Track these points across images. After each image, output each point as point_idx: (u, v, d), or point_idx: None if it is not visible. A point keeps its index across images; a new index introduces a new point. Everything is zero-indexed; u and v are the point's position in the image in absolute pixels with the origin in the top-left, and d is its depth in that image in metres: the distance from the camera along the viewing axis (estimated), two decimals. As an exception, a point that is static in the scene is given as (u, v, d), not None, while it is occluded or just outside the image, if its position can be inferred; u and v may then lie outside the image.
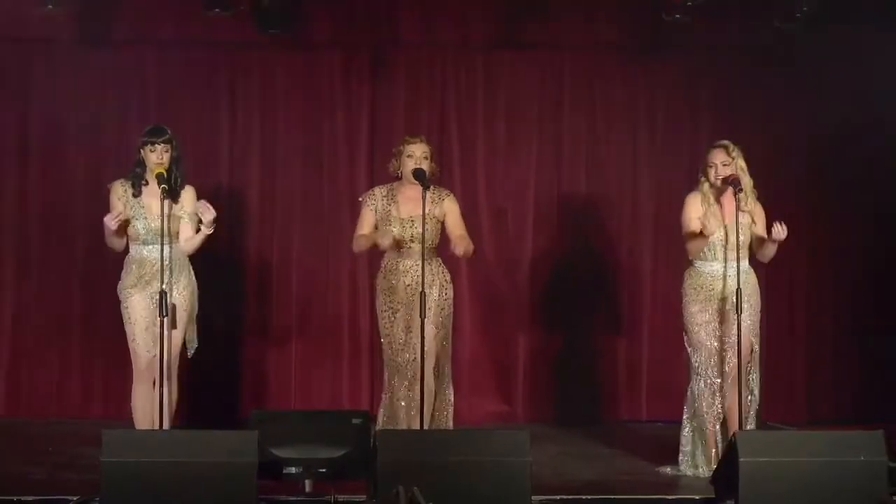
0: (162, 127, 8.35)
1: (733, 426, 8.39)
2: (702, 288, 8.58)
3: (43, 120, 10.62)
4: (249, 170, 10.86)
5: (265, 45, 10.63)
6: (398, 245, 8.59)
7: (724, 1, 9.74)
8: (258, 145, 10.85)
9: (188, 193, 8.39)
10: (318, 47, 10.87)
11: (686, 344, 8.67)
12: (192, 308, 8.39)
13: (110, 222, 8.08)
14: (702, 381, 8.56)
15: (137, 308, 8.21)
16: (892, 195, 10.81)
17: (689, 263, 8.70)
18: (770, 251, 8.59)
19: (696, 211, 8.55)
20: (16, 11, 10.11)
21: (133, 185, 8.28)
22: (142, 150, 8.27)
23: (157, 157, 8.20)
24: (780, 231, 8.36)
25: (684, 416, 8.70)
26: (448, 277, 8.74)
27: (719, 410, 8.55)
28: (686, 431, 8.68)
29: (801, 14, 9.89)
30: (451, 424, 8.75)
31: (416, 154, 8.57)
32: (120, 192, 8.31)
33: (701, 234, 8.42)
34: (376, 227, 8.67)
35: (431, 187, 8.50)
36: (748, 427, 8.42)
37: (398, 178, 8.72)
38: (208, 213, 8.14)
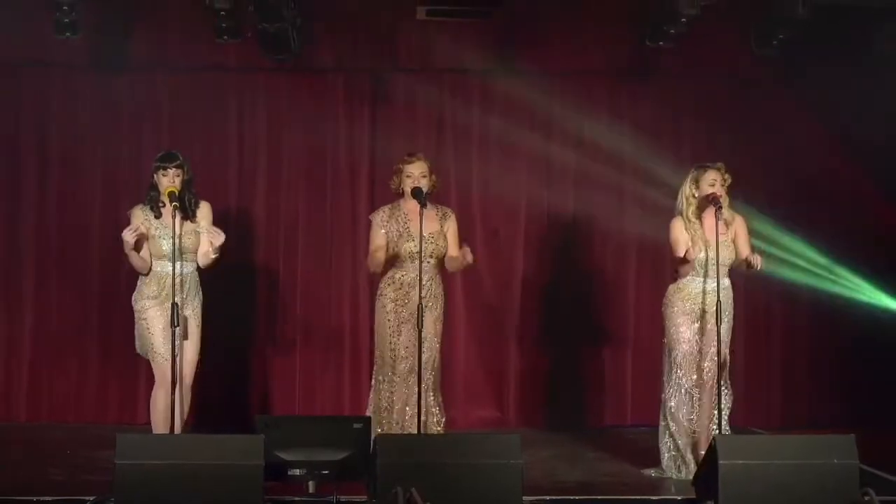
0: (173, 153, 8.40)
1: (707, 431, 8.43)
2: (686, 302, 8.59)
3: (61, 141, 10.65)
4: (256, 188, 10.88)
5: (271, 70, 10.66)
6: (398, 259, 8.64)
7: (705, 29, 9.76)
8: (265, 165, 10.87)
9: (204, 209, 8.45)
10: (322, 72, 10.90)
11: (666, 353, 8.69)
12: (201, 324, 8.47)
13: (128, 235, 8.12)
14: (682, 390, 8.58)
15: (156, 319, 8.23)
16: (866, 209, 10.83)
17: (674, 279, 8.73)
18: (745, 271, 8.69)
19: (682, 235, 8.57)
20: (36, 39, 10.19)
21: (152, 209, 8.32)
22: (154, 175, 8.32)
23: (168, 180, 8.25)
24: (757, 262, 8.48)
25: (661, 423, 8.73)
26: (442, 290, 8.78)
27: (696, 416, 8.57)
28: (665, 436, 8.70)
29: (777, 42, 9.92)
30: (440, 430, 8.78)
31: (415, 173, 8.58)
32: (141, 216, 8.35)
33: (685, 259, 8.47)
34: (388, 246, 8.67)
35: (437, 206, 8.67)
36: (723, 430, 8.45)
37: (401, 195, 8.73)
38: (217, 238, 8.23)
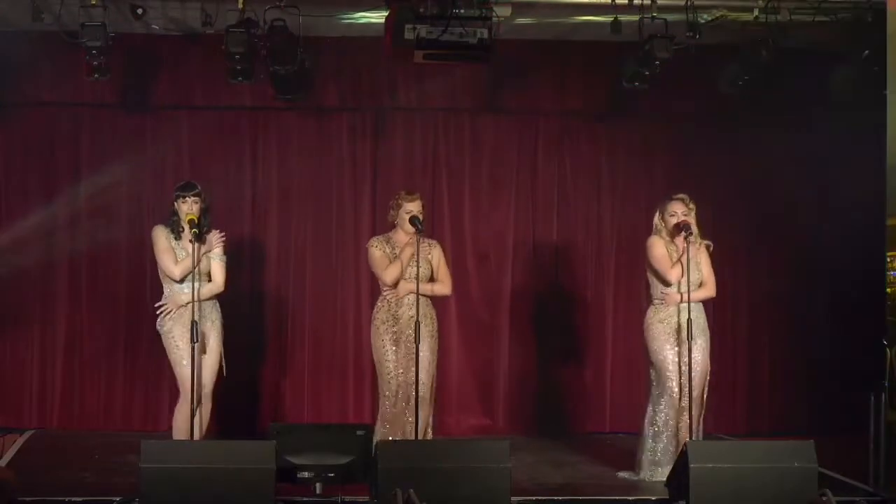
0: (192, 182, 8.43)
1: (684, 436, 8.40)
2: (664, 321, 8.58)
3: (91, 175, 10.62)
4: (269, 217, 10.85)
5: (282, 110, 10.65)
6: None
7: (675, 73, 9.76)
8: (276, 195, 10.84)
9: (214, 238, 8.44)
10: (328, 111, 10.88)
11: (652, 369, 8.67)
12: (221, 338, 8.44)
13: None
14: (668, 400, 8.54)
15: (181, 339, 8.19)
16: (815, 236, 10.81)
17: (650, 301, 8.73)
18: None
19: (664, 251, 8.59)
20: (68, 81, 10.20)
21: (172, 232, 8.33)
22: (175, 203, 8.32)
23: (188, 207, 8.26)
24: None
25: (645, 428, 8.70)
26: (434, 312, 8.82)
27: (679, 423, 8.54)
28: (649, 441, 8.66)
29: (741, 83, 9.92)
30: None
31: (414, 211, 8.66)
32: (163, 234, 8.35)
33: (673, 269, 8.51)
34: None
35: (424, 239, 8.67)
36: (699, 437, 8.42)
37: (394, 226, 8.80)
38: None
